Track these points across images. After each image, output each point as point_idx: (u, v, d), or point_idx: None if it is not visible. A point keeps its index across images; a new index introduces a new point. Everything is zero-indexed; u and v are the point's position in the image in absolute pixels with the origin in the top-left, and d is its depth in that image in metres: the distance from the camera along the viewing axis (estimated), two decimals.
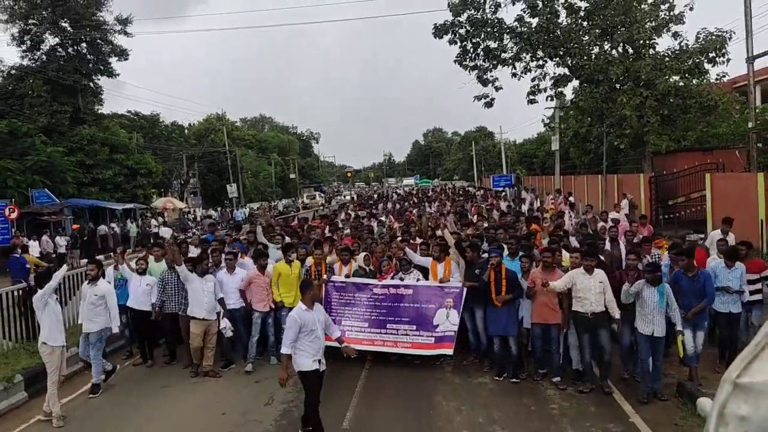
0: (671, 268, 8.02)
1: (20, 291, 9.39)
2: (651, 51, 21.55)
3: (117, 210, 31.94)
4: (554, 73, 23.70)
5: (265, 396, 7.63)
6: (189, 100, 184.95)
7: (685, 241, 9.50)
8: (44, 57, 34.15)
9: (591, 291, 7.16)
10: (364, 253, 9.74)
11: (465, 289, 8.43)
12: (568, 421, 6.54)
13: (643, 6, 21.62)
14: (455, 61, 24.18)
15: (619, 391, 7.33)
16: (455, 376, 8.15)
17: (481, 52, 23.77)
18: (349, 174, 69.15)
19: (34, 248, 21.38)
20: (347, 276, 9.19)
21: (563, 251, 8.92)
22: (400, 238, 11.01)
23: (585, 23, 22.40)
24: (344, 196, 63.44)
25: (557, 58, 23.04)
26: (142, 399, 7.89)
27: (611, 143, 26.91)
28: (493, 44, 23.53)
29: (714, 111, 21.23)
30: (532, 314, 7.81)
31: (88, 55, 35.61)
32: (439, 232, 11.11)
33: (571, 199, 22.09)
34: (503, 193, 29.49)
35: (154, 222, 32.30)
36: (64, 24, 34.03)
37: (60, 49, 34.76)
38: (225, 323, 8.61)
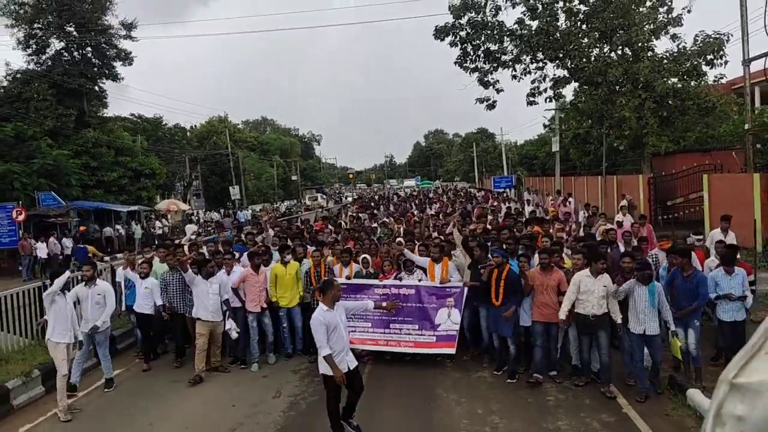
0: (669, 270, 8.08)
1: (35, 289, 9.67)
2: (649, 53, 21.75)
3: (122, 212, 32.28)
4: (554, 75, 23.97)
5: (272, 390, 7.96)
6: (191, 103, 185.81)
7: (685, 243, 9.42)
8: (49, 61, 34.48)
9: (594, 294, 7.27)
10: (363, 256, 9.84)
11: (466, 289, 8.61)
12: (564, 412, 6.83)
13: (641, 9, 21.83)
14: (456, 63, 24.43)
15: (614, 385, 7.52)
16: (455, 372, 8.43)
17: (482, 55, 24.02)
18: (351, 176, 69.23)
19: (42, 250, 21.74)
20: (348, 277, 9.31)
21: (565, 254, 9.02)
22: (400, 239, 11.24)
23: (584, 26, 22.61)
24: (346, 198, 63.66)
25: (557, 61, 23.26)
26: (154, 393, 8.22)
27: (611, 144, 27.09)
28: (493, 47, 23.78)
29: (712, 112, 21.46)
30: (534, 313, 7.92)
31: (93, 59, 35.99)
32: (449, 229, 11.30)
33: (570, 200, 22.28)
34: (504, 194, 29.72)
35: (158, 224, 32.60)
36: (69, 28, 34.38)
37: (65, 53, 35.11)
38: (230, 324, 8.74)
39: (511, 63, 23.69)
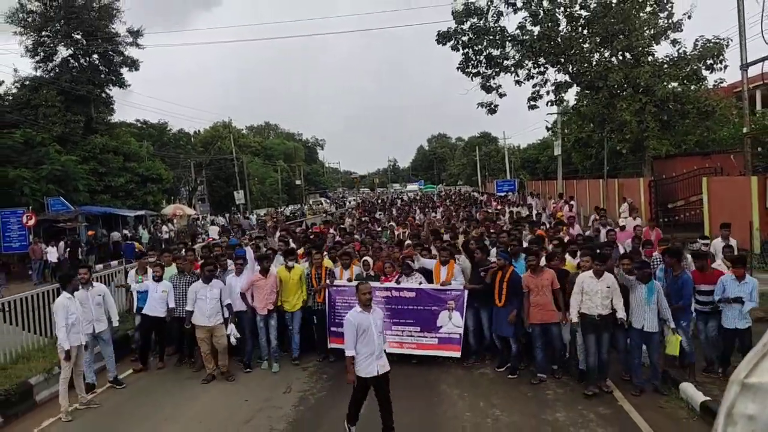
0: (665, 270, 8.22)
1: (53, 290, 10.00)
2: (650, 58, 22.04)
3: (129, 217, 32.70)
4: (555, 80, 24.26)
5: (283, 385, 8.30)
6: (194, 108, 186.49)
7: (685, 245, 9.56)
8: (57, 68, 35.02)
9: (598, 294, 7.40)
10: (364, 258, 9.98)
11: (466, 292, 8.79)
12: (562, 405, 7.15)
13: (641, 14, 22.11)
14: (458, 69, 24.75)
15: (610, 380, 7.80)
16: (458, 369, 8.70)
17: (484, 60, 24.33)
18: (356, 180, 69.81)
19: (53, 254, 22.10)
20: (349, 280, 9.43)
21: (567, 256, 9.19)
22: (408, 242, 11.51)
23: (585, 31, 22.89)
24: (349, 202, 64.00)
25: (558, 65, 23.56)
26: (168, 389, 8.56)
27: (612, 148, 27.37)
28: (495, 52, 24.09)
29: (711, 116, 21.75)
30: (530, 316, 8.07)
31: (101, 66, 36.51)
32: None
33: (572, 203, 22.52)
34: (507, 198, 29.95)
35: (165, 228, 32.99)
36: (77, 36, 34.90)
37: (72, 61, 35.63)
38: (231, 329, 8.81)
39: (513, 68, 24.01)
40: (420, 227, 16.68)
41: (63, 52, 35.34)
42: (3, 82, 34.00)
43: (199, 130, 67.94)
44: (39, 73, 34.70)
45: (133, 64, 37.17)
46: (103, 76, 36.60)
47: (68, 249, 22.52)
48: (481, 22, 23.69)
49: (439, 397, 7.63)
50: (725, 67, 20.99)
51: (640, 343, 7.44)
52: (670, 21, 22.03)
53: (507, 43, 23.86)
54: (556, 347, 8.17)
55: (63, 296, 7.69)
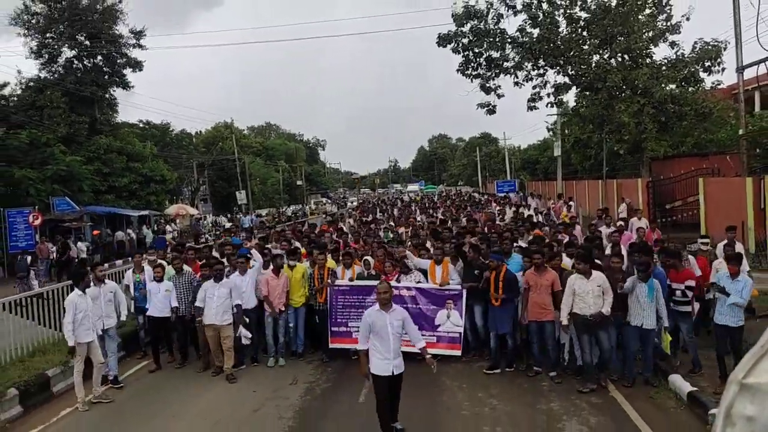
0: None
1: (67, 287, 10.30)
2: (648, 60, 22.30)
3: (133, 216, 33.04)
4: (555, 82, 24.52)
5: (289, 377, 8.64)
6: (196, 109, 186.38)
7: (685, 246, 9.63)
8: (61, 69, 35.43)
9: (589, 294, 7.51)
10: (364, 258, 10.15)
11: (465, 291, 9.01)
12: (556, 395, 7.50)
13: (640, 17, 22.37)
14: (458, 71, 24.98)
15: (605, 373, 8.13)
16: (458, 362, 8.99)
17: (483, 62, 24.58)
18: (357, 180, 70.06)
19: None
20: (350, 279, 9.62)
21: (563, 256, 9.35)
22: (409, 243, 11.76)
23: (584, 33, 23.12)
24: (351, 202, 64.32)
25: (558, 67, 23.82)
26: (178, 383, 8.88)
27: (611, 149, 27.65)
28: (495, 54, 24.34)
29: (709, 118, 22.04)
30: (528, 313, 8.30)
31: (104, 68, 36.90)
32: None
33: (571, 203, 22.83)
34: (507, 199, 30.20)
35: (168, 228, 33.30)
36: (80, 38, 35.28)
37: (76, 62, 36.04)
38: (241, 330, 8.95)
39: (512, 70, 24.27)
40: (421, 228, 16.92)
41: (67, 53, 35.83)
42: (8, 83, 34.46)
43: (201, 131, 68.48)
44: (44, 74, 35.13)
45: (137, 65, 37.58)
46: (106, 77, 37.00)
47: (58, 253, 22.52)
48: (481, 24, 23.97)
49: (439, 388, 7.97)
50: (723, 69, 21.28)
51: (637, 339, 7.65)
52: (668, 23, 22.27)
53: (507, 45, 24.12)
54: (549, 345, 8.29)
55: (75, 293, 8.00)
